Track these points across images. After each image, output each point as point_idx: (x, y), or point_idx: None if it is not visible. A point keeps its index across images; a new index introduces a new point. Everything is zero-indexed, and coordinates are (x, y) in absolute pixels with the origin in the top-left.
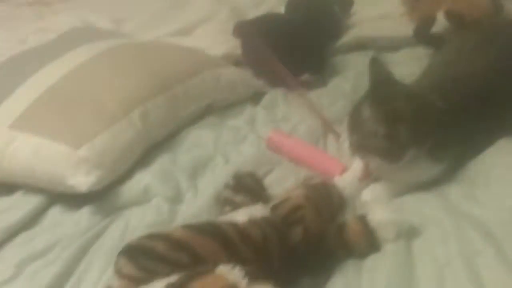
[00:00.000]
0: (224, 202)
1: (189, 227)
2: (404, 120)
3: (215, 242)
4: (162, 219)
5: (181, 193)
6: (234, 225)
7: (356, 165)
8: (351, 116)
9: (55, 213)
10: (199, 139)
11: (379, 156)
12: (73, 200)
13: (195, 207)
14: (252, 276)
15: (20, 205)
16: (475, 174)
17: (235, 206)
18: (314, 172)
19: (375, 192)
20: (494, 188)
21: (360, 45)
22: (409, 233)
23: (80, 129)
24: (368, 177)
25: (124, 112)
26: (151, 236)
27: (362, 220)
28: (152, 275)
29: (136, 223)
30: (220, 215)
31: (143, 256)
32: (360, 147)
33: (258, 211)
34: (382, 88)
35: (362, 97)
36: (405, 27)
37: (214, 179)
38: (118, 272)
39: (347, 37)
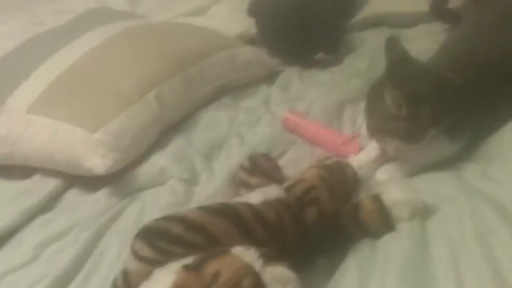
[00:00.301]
0: (239, 184)
1: (204, 209)
2: (425, 101)
3: (231, 223)
4: (178, 201)
5: (196, 174)
6: (249, 206)
7: (371, 145)
8: (368, 99)
9: (73, 195)
10: (214, 120)
11: (400, 139)
12: (90, 182)
13: (211, 188)
14: (267, 257)
15: (38, 188)
16: (490, 152)
17: (250, 188)
18: (329, 152)
19: (389, 172)
20: (510, 166)
21: (376, 22)
22: (423, 212)
23: (96, 112)
24: (383, 157)
25: (139, 94)
26: (167, 218)
27: (377, 199)
28: (168, 257)
29: (152, 204)
30: (235, 196)
31: (159, 238)
32: (378, 130)
33: (272, 192)
34: (399, 68)
35: (379, 79)
36: (421, 3)
37: (229, 160)
38: (135, 255)
39: (362, 14)
